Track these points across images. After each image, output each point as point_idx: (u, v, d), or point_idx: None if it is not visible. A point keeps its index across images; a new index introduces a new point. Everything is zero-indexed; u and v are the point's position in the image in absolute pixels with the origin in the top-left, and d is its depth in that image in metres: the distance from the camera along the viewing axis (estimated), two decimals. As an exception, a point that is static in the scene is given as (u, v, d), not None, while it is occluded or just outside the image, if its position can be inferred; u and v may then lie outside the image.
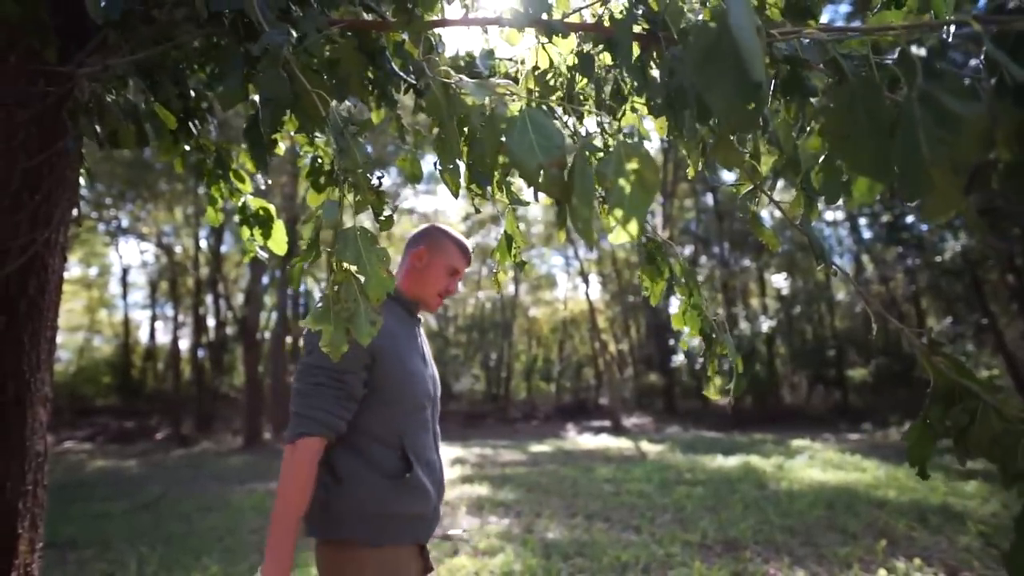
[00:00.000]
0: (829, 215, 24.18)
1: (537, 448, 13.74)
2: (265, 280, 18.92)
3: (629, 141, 0.67)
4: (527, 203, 1.41)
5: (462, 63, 1.43)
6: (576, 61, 1.05)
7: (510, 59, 1.49)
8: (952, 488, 6.75)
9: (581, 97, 1.30)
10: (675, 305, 1.41)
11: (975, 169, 0.51)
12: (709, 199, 24.96)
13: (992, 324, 18.11)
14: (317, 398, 1.40)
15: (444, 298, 1.69)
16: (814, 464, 9.14)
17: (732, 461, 9.76)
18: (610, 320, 28.97)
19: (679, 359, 23.27)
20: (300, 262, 1.06)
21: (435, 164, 1.10)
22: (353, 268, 0.86)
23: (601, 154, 0.69)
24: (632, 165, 0.65)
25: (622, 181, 0.64)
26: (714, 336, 1.31)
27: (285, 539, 1.32)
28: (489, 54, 1.45)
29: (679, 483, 7.95)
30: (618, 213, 0.64)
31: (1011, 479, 0.73)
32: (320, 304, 0.88)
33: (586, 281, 23.40)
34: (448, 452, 13.11)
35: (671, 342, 22.99)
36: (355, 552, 1.43)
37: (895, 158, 0.50)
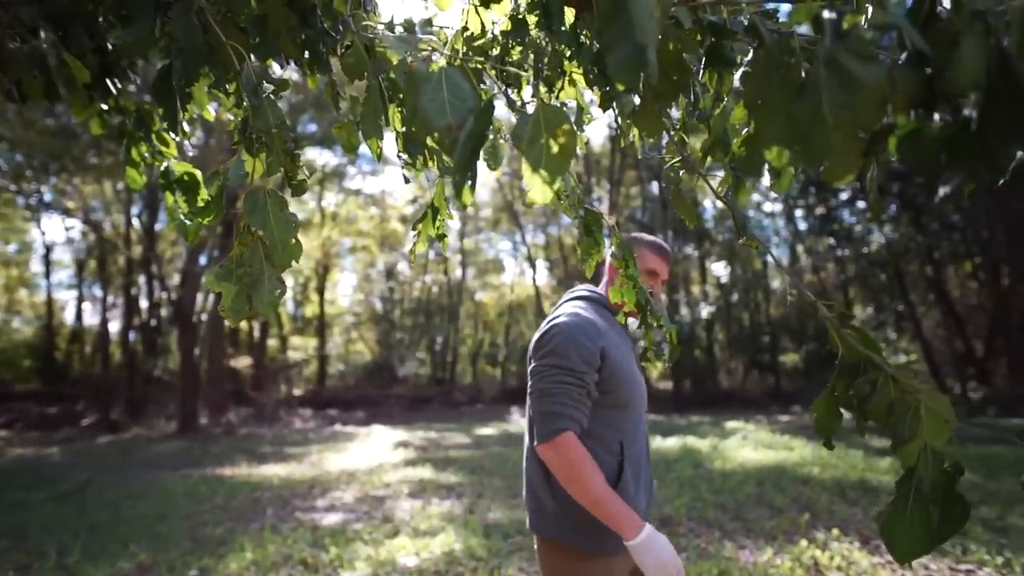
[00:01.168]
0: (768, 206, 25.06)
1: (482, 431, 13.81)
2: (203, 260, 18.18)
3: (550, 106, 0.67)
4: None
5: (400, 30, 1.39)
6: (509, 26, 1.04)
7: (449, 27, 1.46)
8: (869, 464, 7.16)
9: (525, 67, 1.29)
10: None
11: (874, 133, 0.52)
12: (655, 188, 25.43)
13: (911, 312, 19.27)
14: (564, 396, 1.43)
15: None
16: (747, 444, 9.53)
17: (670, 442, 10.06)
18: (555, 305, 29.26)
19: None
20: (199, 220, 1.02)
21: (357, 124, 1.06)
22: (260, 233, 0.82)
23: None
24: (550, 129, 0.65)
25: (538, 144, 0.64)
26: (648, 307, 1.34)
27: (619, 508, 1.35)
28: (428, 23, 1.41)
29: (619, 463, 8.13)
30: (531, 175, 0.64)
31: (898, 444, 0.78)
32: (223, 264, 0.84)
33: (533, 266, 23.54)
34: (392, 436, 13.03)
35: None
36: (570, 556, 1.47)
37: (800, 121, 0.52)
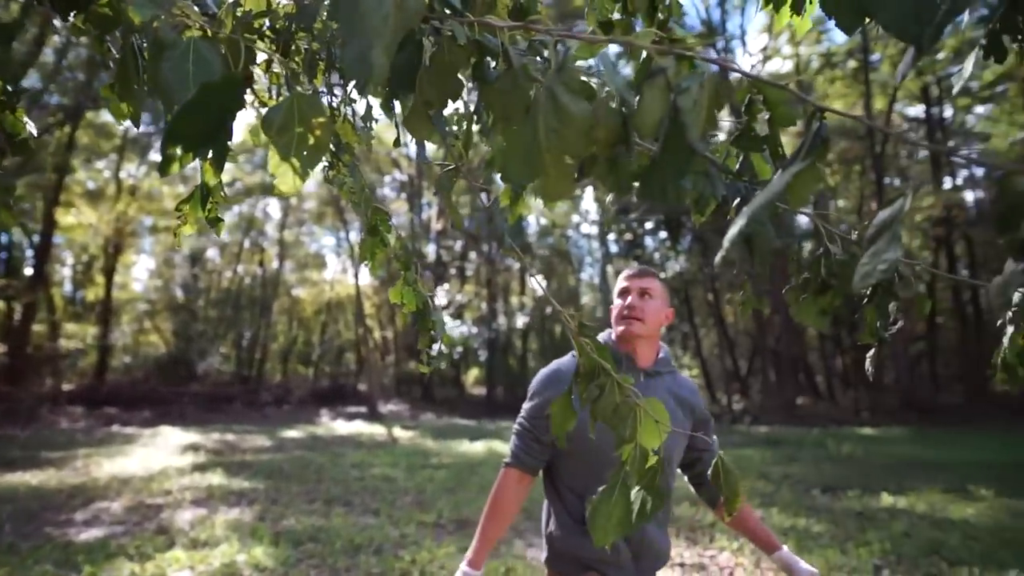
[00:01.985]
0: (585, 228, 26.99)
1: (287, 434, 13.05)
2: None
3: (307, 95, 0.66)
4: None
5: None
6: (294, 9, 1.00)
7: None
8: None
9: (319, 58, 1.25)
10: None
11: (584, 161, 0.59)
12: (484, 198, 26.10)
13: (695, 333, 22.00)
14: (516, 437, 1.72)
15: (628, 318, 1.72)
16: (548, 448, 10.10)
17: (477, 446, 10.34)
18: (377, 306, 28.69)
19: (438, 348, 24.10)
20: None
21: (112, 86, 0.96)
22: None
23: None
24: (303, 119, 0.64)
25: (289, 133, 0.63)
26: (428, 312, 1.36)
27: (478, 542, 1.62)
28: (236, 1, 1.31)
29: (424, 467, 8.18)
30: (278, 164, 0.62)
31: (619, 442, 0.88)
32: None
33: (356, 265, 22.86)
34: (182, 438, 11.79)
35: (433, 332, 23.62)
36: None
37: (522, 141, 0.57)
